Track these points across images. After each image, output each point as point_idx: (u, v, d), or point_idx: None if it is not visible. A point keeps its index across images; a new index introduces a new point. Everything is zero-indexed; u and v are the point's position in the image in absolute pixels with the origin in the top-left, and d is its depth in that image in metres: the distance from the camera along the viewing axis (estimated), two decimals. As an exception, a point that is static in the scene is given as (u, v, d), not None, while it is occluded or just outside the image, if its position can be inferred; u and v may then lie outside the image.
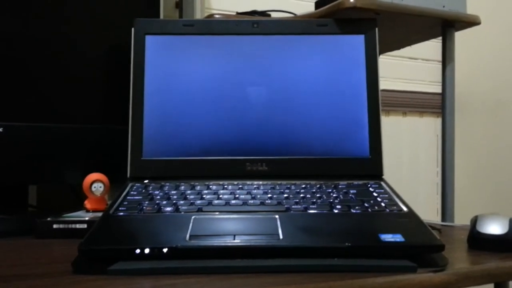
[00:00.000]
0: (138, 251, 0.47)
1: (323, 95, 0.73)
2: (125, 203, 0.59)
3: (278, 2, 1.28)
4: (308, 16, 0.92)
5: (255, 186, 0.65)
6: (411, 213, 0.57)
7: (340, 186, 0.65)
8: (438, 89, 1.03)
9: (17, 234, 0.67)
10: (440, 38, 1.01)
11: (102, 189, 0.71)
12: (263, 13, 1.04)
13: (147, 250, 0.46)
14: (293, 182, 0.66)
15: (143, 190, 0.63)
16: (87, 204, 0.72)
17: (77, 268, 0.46)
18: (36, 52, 0.76)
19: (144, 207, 0.57)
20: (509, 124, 1.75)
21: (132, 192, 0.62)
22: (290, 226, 0.52)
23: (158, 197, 0.60)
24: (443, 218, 0.97)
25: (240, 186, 0.65)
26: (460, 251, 0.58)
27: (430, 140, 1.76)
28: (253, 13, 1.03)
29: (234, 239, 0.49)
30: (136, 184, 0.65)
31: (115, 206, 0.57)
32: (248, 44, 0.74)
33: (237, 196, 0.61)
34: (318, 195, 0.61)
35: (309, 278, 0.44)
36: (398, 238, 0.49)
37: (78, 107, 0.79)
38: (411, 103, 1.72)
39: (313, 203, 0.59)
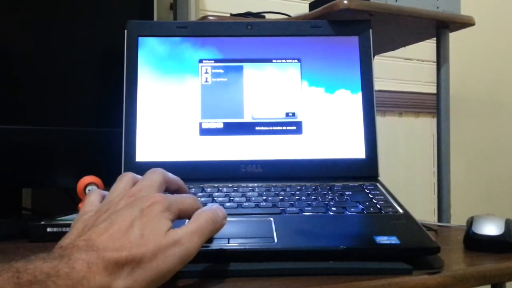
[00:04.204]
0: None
1: (317, 96, 0.72)
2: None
3: (272, 3, 1.28)
4: (302, 17, 0.92)
5: (250, 188, 0.64)
6: (407, 215, 0.56)
7: (335, 188, 0.65)
8: (434, 90, 1.03)
9: (11, 238, 0.67)
10: (435, 38, 1.01)
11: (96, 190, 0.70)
12: (257, 15, 1.04)
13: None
14: (288, 184, 0.66)
15: (137, 193, 0.62)
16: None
17: (70, 273, 0.46)
18: (28, 54, 0.75)
19: (138, 211, 0.56)
20: (504, 124, 1.75)
21: (126, 195, 0.62)
22: (285, 229, 0.52)
23: (152, 200, 0.60)
24: (440, 219, 0.97)
25: (235, 188, 0.64)
26: (456, 252, 0.58)
27: (426, 140, 1.76)
28: (247, 14, 1.03)
29: (228, 242, 0.48)
30: (130, 187, 0.65)
31: (108, 210, 0.57)
32: (242, 45, 0.73)
33: (232, 198, 0.61)
34: (313, 197, 0.61)
35: (304, 281, 0.44)
36: (394, 240, 0.49)
37: (71, 110, 0.78)
38: (407, 104, 1.73)
39: (308, 205, 0.58)
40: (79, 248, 0.35)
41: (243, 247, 0.48)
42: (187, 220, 0.43)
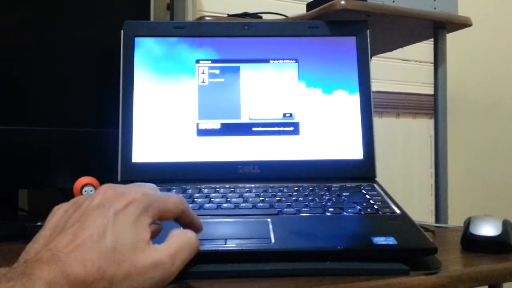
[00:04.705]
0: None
1: (314, 96, 0.72)
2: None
3: (270, 4, 1.28)
4: (300, 18, 0.92)
5: (247, 189, 0.64)
6: (404, 216, 0.56)
7: (332, 189, 0.65)
8: (431, 91, 1.03)
9: (7, 239, 0.66)
10: (432, 39, 1.01)
11: (92, 192, 0.70)
12: (255, 15, 1.04)
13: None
14: (285, 185, 0.66)
15: (134, 194, 0.62)
16: (78, 208, 0.71)
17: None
18: (26, 55, 0.75)
19: (135, 211, 0.56)
20: (502, 125, 1.75)
21: (122, 196, 0.61)
22: (282, 230, 0.52)
23: (149, 201, 0.60)
24: (437, 220, 0.97)
25: (232, 189, 0.64)
26: (453, 253, 0.58)
27: (424, 142, 1.76)
28: (245, 15, 1.03)
29: (225, 243, 0.48)
30: (127, 188, 0.64)
31: (105, 211, 0.57)
32: (239, 46, 0.73)
33: (229, 199, 0.60)
34: (310, 197, 0.61)
35: (301, 282, 0.44)
36: (391, 241, 0.49)
37: (68, 110, 0.78)
38: (404, 105, 1.72)
39: (306, 206, 0.58)
40: (42, 262, 0.31)
41: (240, 248, 0.48)
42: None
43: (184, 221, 0.41)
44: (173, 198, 0.40)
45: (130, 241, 0.34)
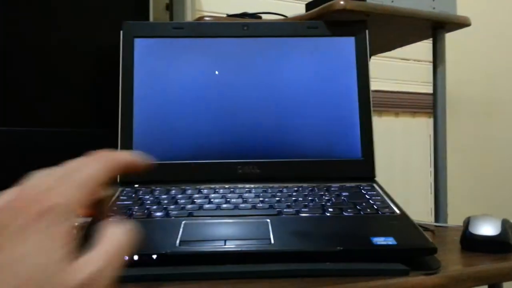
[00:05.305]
0: (126, 257, 0.46)
1: (314, 97, 0.72)
2: (115, 208, 0.58)
3: (269, 4, 1.28)
4: (299, 18, 0.92)
5: (246, 189, 0.64)
6: (404, 216, 0.56)
7: (332, 189, 0.64)
8: (430, 90, 1.03)
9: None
10: (431, 39, 1.01)
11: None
12: (254, 16, 1.04)
13: (136, 257, 0.46)
14: (285, 185, 0.65)
15: (133, 195, 0.62)
16: (77, 209, 0.71)
17: (66, 275, 0.46)
18: (22, 56, 0.75)
19: (134, 212, 0.56)
20: (501, 124, 1.75)
21: (122, 197, 0.61)
22: (282, 230, 0.52)
23: (148, 201, 0.60)
24: (436, 219, 0.97)
25: (232, 189, 0.64)
26: (453, 252, 0.58)
27: (423, 141, 1.76)
28: (244, 15, 1.03)
29: (225, 244, 0.48)
30: (126, 189, 0.64)
31: (104, 212, 0.56)
32: (238, 46, 0.73)
33: (228, 200, 0.60)
34: (310, 198, 0.61)
35: (301, 283, 0.44)
36: (390, 241, 0.49)
37: (66, 111, 0.78)
38: (404, 104, 1.73)
39: (305, 206, 0.58)
40: None
41: (239, 249, 0.48)
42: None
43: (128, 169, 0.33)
44: (89, 172, 0.30)
45: (47, 264, 0.25)
